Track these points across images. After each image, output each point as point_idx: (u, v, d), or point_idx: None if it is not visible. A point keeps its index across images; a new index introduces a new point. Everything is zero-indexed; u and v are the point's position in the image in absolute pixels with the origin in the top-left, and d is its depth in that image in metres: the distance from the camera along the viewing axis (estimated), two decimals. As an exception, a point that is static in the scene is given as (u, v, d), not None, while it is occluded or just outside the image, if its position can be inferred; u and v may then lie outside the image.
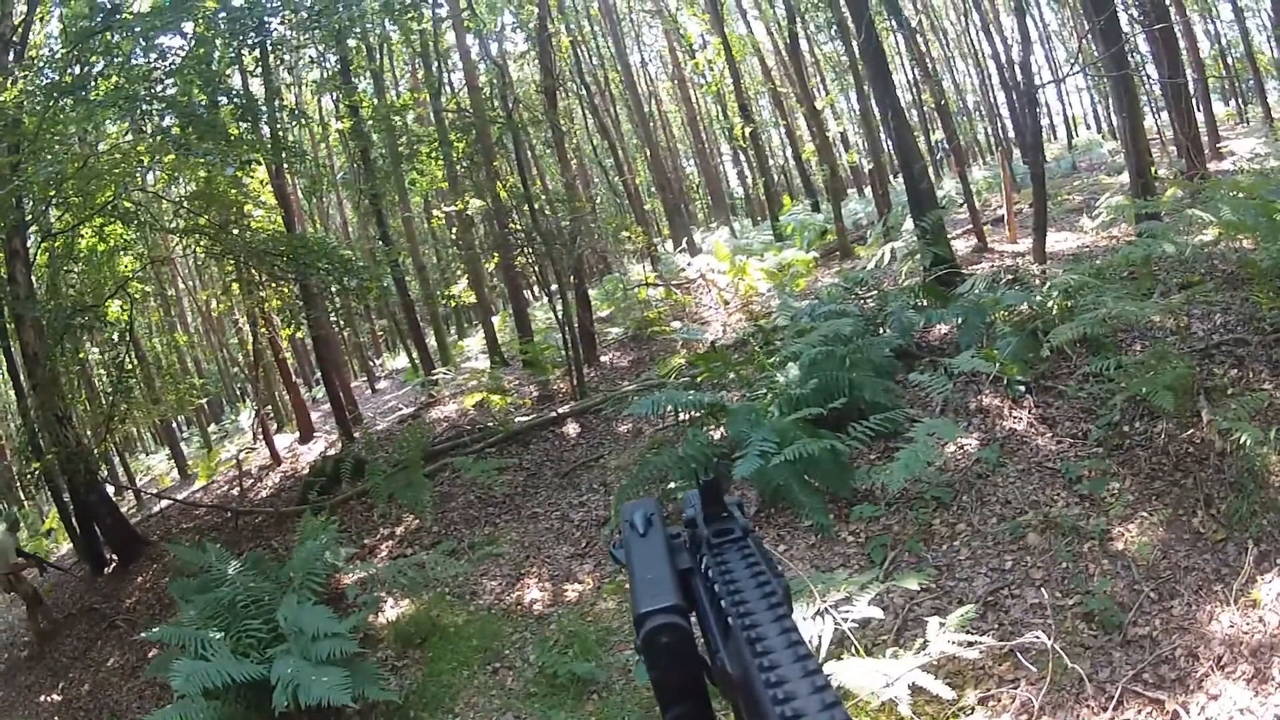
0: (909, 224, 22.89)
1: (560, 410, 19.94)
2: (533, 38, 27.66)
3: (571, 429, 18.87)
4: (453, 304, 31.21)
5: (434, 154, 27.46)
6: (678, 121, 60.06)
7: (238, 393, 49.43)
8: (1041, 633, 7.72)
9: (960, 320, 14.76)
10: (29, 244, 19.52)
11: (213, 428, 41.57)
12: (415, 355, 32.19)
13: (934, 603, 9.18)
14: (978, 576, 9.49)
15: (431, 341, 33.02)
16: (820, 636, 7.15)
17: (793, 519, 11.51)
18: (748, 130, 41.56)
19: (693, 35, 48.09)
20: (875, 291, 18.36)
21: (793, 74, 40.23)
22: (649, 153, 46.87)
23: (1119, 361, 11.74)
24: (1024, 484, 10.75)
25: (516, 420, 20.17)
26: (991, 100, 51.97)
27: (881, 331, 15.28)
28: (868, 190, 42.73)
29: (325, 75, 29.32)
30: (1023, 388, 12.48)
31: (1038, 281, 15.80)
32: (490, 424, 20.50)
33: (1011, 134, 38.71)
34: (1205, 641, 7.86)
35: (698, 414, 14.57)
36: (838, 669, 6.93)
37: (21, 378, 21.04)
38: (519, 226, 23.92)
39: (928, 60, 37.05)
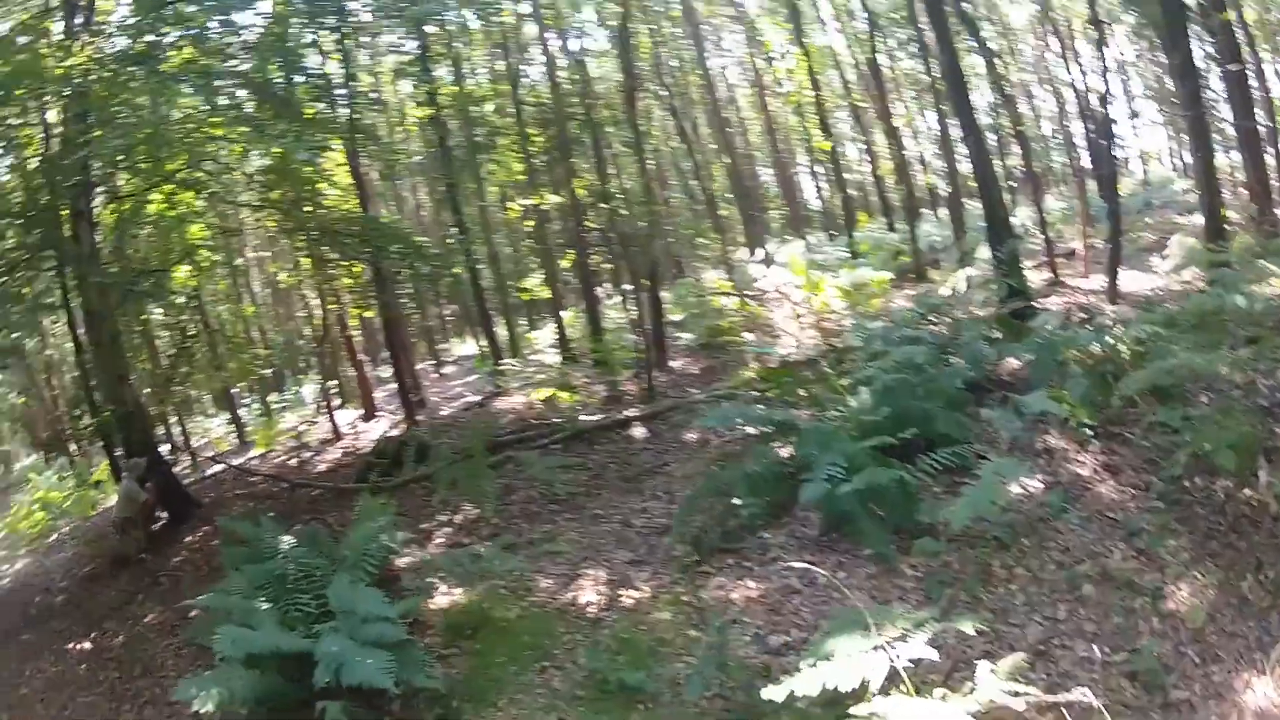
0: (985, 251, 22.74)
1: (628, 413, 19.90)
2: (614, 36, 27.38)
3: (639, 432, 18.77)
4: (525, 296, 30.86)
5: (513, 146, 27.82)
6: (755, 129, 58.82)
7: (301, 366, 49.32)
8: (1089, 690, 7.48)
9: (1033, 357, 14.51)
10: (95, 205, 19.48)
11: (273, 397, 41.31)
12: (484, 344, 32.05)
13: (986, 646, 9.12)
14: (1031, 624, 9.42)
15: (501, 331, 32.99)
16: (874, 672, 7.23)
17: (854, 546, 11.42)
18: (828, 144, 41.92)
19: (771, 44, 47.49)
20: (949, 319, 18.08)
21: (872, 90, 40.33)
22: (727, 159, 46.68)
23: (1185, 414, 11.71)
24: (1084, 532, 10.64)
25: (583, 419, 20.18)
26: (1067, 129, 50.42)
27: (953, 361, 15.01)
28: (942, 212, 42.87)
29: (404, 62, 29.23)
30: (1090, 432, 12.26)
31: (1109, 323, 15.52)
32: (557, 420, 20.43)
33: (1087, 165, 38.01)
34: (1239, 711, 7.91)
35: (767, 430, 14.38)
36: (887, 706, 7.01)
37: (81, 335, 21.21)
38: (594, 225, 23.83)
39: (1005, 84, 36.78)
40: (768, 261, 34.24)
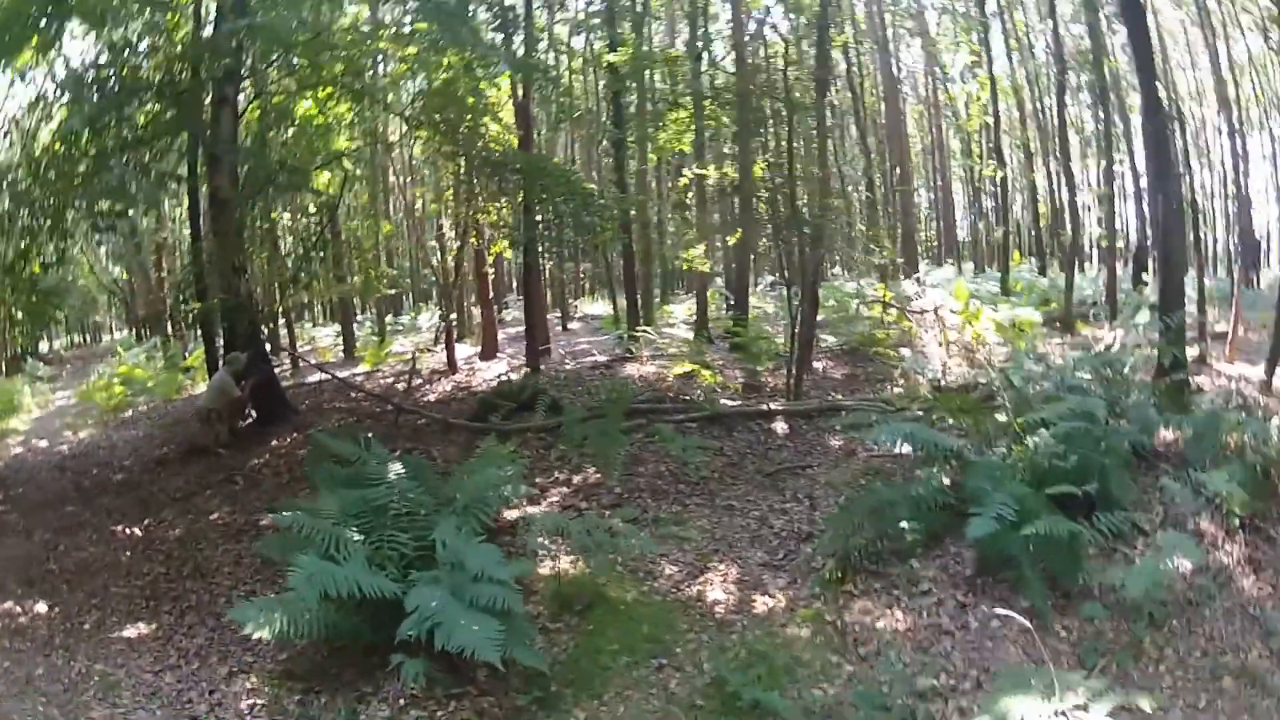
0: (1140, 315, 22.43)
1: (773, 405, 18.76)
2: (812, 23, 26.19)
3: (780, 427, 17.59)
4: (686, 266, 29.70)
5: (689, 117, 26.90)
6: (916, 148, 58.26)
7: (424, 292, 49.73)
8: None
9: (1193, 432, 13.37)
10: (241, 96, 19.64)
11: (389, 319, 41.49)
12: (620, 306, 31.46)
13: (1129, 725, 8.25)
14: (1174, 709, 8.75)
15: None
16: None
17: (1009, 595, 10.36)
18: (998, 175, 41.16)
19: (949, 65, 47.06)
20: (1119, 377, 16.37)
21: (1051, 129, 39.80)
22: (896, 170, 46.07)
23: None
24: (1228, 623, 9.86)
25: (723, 403, 19.15)
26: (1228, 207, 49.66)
27: (1120, 423, 13.87)
28: (1092, 265, 44.23)
29: (587, 13, 29.21)
30: (1238, 521, 11.41)
31: (1261, 414, 14.48)
32: (695, 398, 19.63)
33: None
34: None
35: (932, 454, 13.19)
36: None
37: (202, 223, 21.25)
38: (766, 209, 22.87)
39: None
40: (919, 281, 33.00)
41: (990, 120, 41.70)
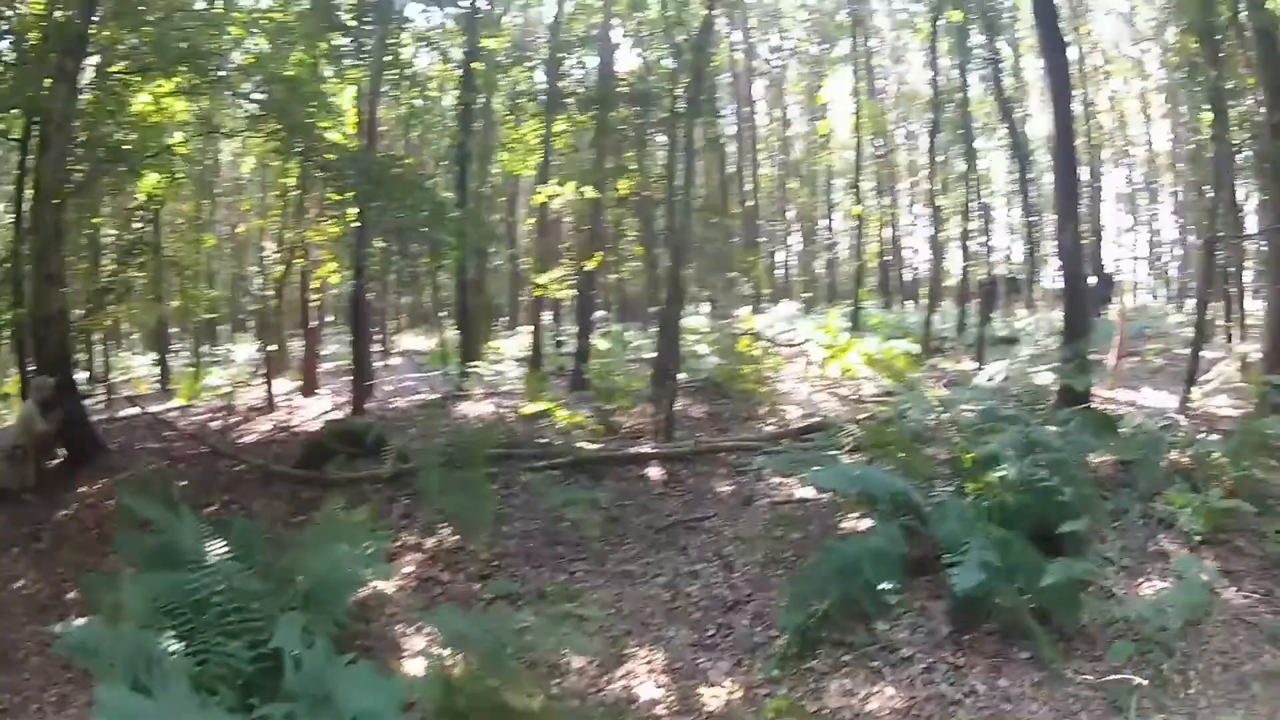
0: (1024, 348, 25.45)
1: (644, 448, 17.15)
2: (683, 45, 24.33)
3: (655, 473, 15.94)
4: (539, 293, 27.94)
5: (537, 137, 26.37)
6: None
7: (239, 322, 48.33)
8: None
9: (1138, 455, 13.79)
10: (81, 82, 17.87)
11: (205, 349, 39.25)
12: (447, 340, 30.67)
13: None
14: None
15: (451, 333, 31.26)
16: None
17: (1000, 647, 9.57)
18: (859, 212, 41.75)
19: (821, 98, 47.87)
20: (1026, 406, 16.78)
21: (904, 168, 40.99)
22: (750, 203, 47.46)
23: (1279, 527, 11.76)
24: (1231, 634, 9.73)
25: (582, 446, 17.33)
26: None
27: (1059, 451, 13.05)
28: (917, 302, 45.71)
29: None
30: (1199, 538, 11.77)
31: (1182, 434, 15.27)
32: (552, 442, 17.66)
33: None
34: None
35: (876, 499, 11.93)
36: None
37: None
38: (630, 228, 21.67)
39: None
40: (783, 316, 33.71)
41: (848, 157, 43.81)
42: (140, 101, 19.87)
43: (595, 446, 17.49)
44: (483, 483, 13.36)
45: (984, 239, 43.15)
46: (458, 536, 12.95)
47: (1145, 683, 8.76)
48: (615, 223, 23.51)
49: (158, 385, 31.79)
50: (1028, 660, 9.25)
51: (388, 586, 11.33)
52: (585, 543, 12.95)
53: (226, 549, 8.74)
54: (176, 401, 26.46)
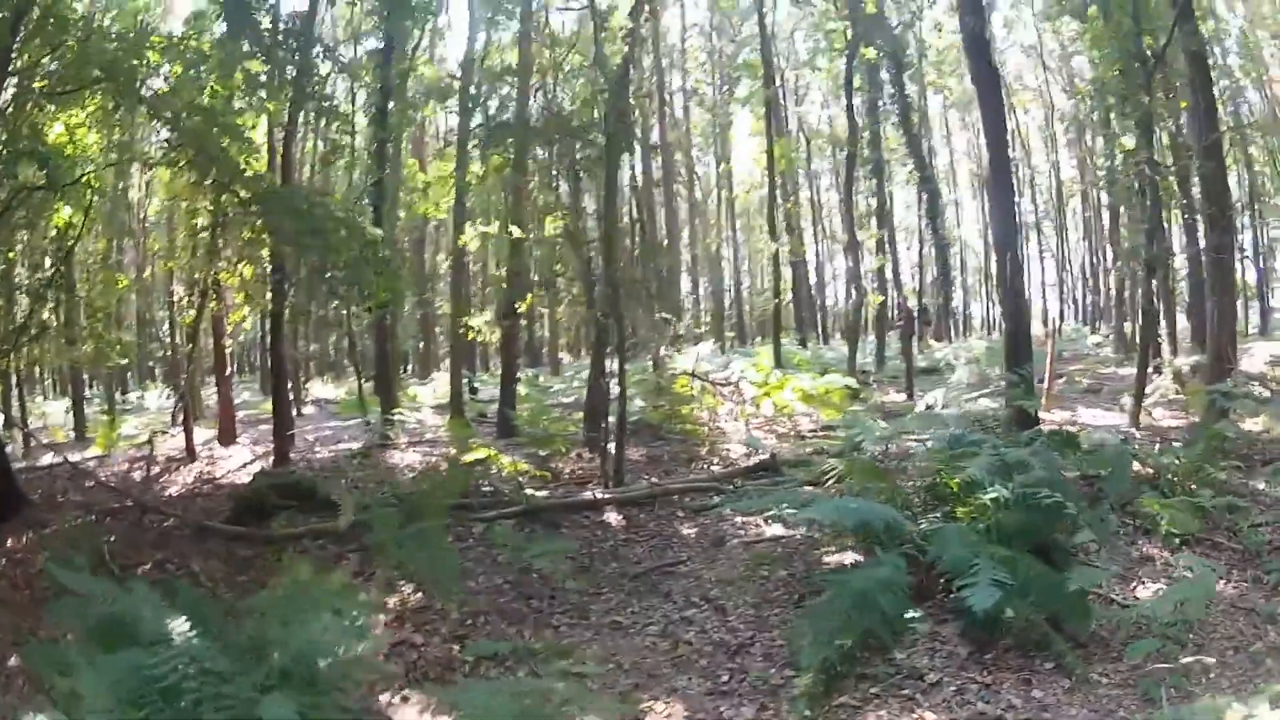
0: (959, 374, 27.84)
1: (598, 494, 16.72)
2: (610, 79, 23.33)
3: (613, 518, 15.70)
4: (471, 336, 27.37)
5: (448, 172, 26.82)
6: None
7: (148, 370, 47.71)
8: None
9: (1106, 469, 14.76)
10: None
11: (117, 396, 38.81)
12: (363, 387, 31.30)
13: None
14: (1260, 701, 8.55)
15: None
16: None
17: (1022, 661, 9.75)
18: (776, 249, 41.56)
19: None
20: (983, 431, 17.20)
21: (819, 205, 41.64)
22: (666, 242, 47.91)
23: (1251, 520, 13.16)
24: (1231, 621, 10.56)
25: (529, 494, 16.86)
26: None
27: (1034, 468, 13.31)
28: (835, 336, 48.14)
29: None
30: (1177, 540, 12.86)
31: (1139, 446, 17.11)
32: (500, 490, 17.10)
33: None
34: None
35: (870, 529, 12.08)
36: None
37: None
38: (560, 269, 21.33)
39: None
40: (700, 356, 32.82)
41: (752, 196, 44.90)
42: (55, 132, 19.17)
43: (543, 494, 17.07)
44: (442, 535, 12.58)
45: (893, 271, 45.27)
46: (421, 594, 12.12)
47: (1168, 675, 9.16)
48: (543, 263, 22.85)
49: (73, 433, 30.97)
50: (1053, 670, 9.45)
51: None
52: (561, 594, 12.39)
53: (188, 623, 7.27)
54: (94, 450, 25.73)
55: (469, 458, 19.26)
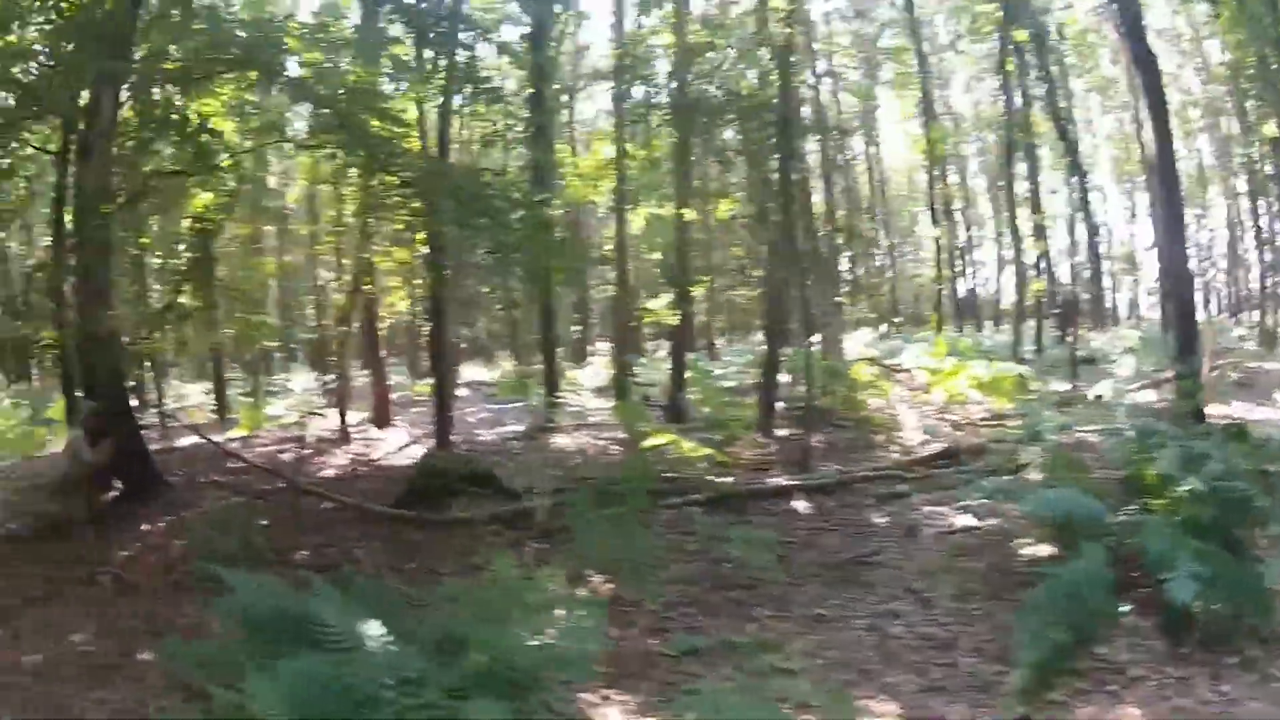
0: (1124, 366, 27.63)
1: (786, 480, 16.18)
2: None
3: (801, 506, 15.03)
4: (648, 319, 27.24)
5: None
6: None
7: (292, 352, 48.17)
8: None
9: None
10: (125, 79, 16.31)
11: (262, 379, 38.74)
12: (526, 370, 31.08)
13: None
14: None
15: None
16: None
17: (1211, 656, 9.18)
18: (938, 234, 42.26)
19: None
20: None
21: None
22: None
23: None
24: None
25: (713, 480, 16.23)
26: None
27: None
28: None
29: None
30: None
31: None
32: (683, 476, 16.38)
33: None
34: None
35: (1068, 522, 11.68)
36: None
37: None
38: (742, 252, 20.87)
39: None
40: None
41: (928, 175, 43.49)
42: (189, 116, 18.44)
43: (726, 480, 16.44)
44: (640, 522, 11.63)
45: (1046, 259, 43.01)
46: (611, 585, 11.24)
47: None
48: (712, 246, 22.17)
49: (214, 415, 30.71)
50: (1236, 665, 8.92)
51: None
52: (759, 585, 11.48)
53: (385, 634, 6.20)
54: (238, 432, 25.28)
55: (649, 442, 18.61)
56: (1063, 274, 45.32)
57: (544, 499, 13.83)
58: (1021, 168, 40.64)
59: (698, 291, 25.32)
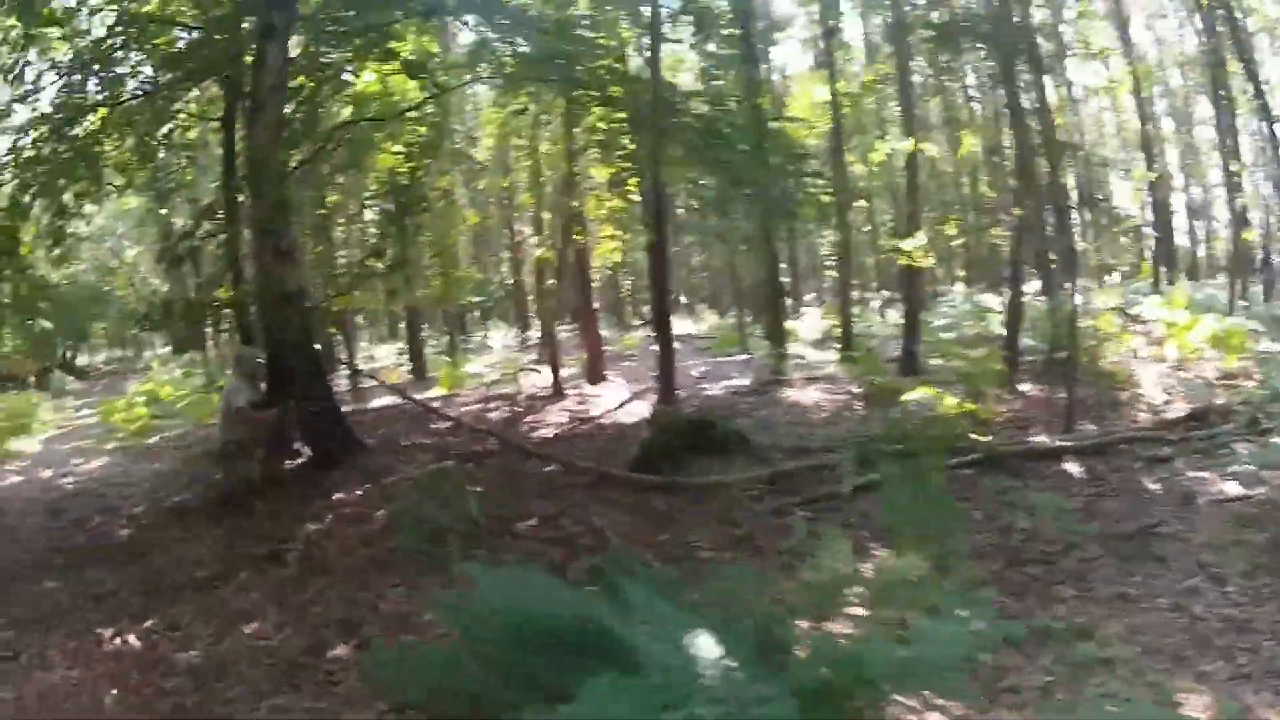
0: None
1: (1053, 441, 15.06)
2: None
3: (1073, 469, 13.81)
4: (904, 261, 25.55)
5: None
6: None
7: (487, 309, 47.61)
8: None
9: None
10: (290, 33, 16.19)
11: (459, 335, 38.67)
12: (735, 321, 30.48)
13: None
14: None
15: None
16: None
17: None
18: (1153, 177, 40.30)
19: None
20: None
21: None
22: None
23: None
24: None
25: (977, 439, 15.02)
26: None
27: None
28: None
29: None
30: None
31: None
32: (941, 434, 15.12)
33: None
34: None
35: None
36: None
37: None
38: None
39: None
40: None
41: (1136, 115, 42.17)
42: (363, 81, 19.04)
43: (990, 440, 15.18)
44: (942, 491, 10.31)
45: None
46: (891, 553, 9.58)
47: None
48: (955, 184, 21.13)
49: (410, 375, 30.53)
50: None
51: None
52: (1055, 559, 10.44)
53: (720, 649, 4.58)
54: (437, 391, 25.09)
55: (907, 396, 17.85)
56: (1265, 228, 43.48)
57: (848, 471, 12.77)
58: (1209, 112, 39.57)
59: (949, 230, 24.19)
